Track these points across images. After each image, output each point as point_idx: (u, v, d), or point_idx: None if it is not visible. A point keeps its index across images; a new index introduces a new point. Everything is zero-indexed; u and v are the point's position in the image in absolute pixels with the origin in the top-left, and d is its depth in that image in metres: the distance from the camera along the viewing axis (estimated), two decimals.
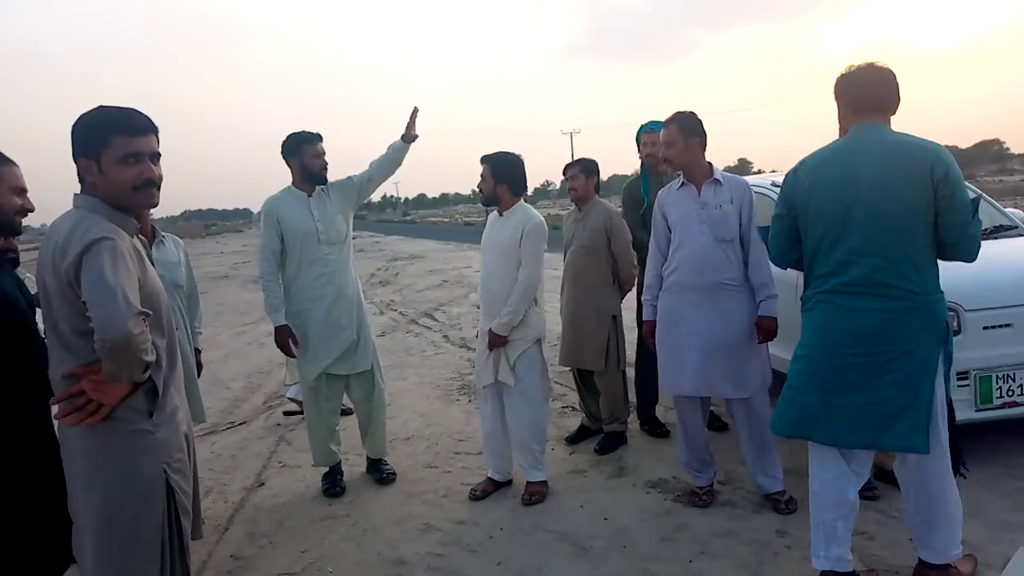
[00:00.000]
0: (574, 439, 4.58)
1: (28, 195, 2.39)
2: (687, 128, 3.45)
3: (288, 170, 3.97)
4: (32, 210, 2.39)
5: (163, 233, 3.93)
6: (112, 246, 1.92)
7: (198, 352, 4.01)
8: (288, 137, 3.93)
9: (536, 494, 3.80)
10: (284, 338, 3.92)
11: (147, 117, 2.10)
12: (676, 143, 3.45)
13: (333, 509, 3.89)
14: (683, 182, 3.52)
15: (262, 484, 4.35)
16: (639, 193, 4.56)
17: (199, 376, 4.02)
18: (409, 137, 4.11)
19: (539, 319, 3.78)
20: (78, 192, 2.10)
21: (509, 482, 3.99)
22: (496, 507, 3.76)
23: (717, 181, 3.51)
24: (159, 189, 2.11)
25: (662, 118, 3.64)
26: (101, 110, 2.06)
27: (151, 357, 2.00)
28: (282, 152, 3.92)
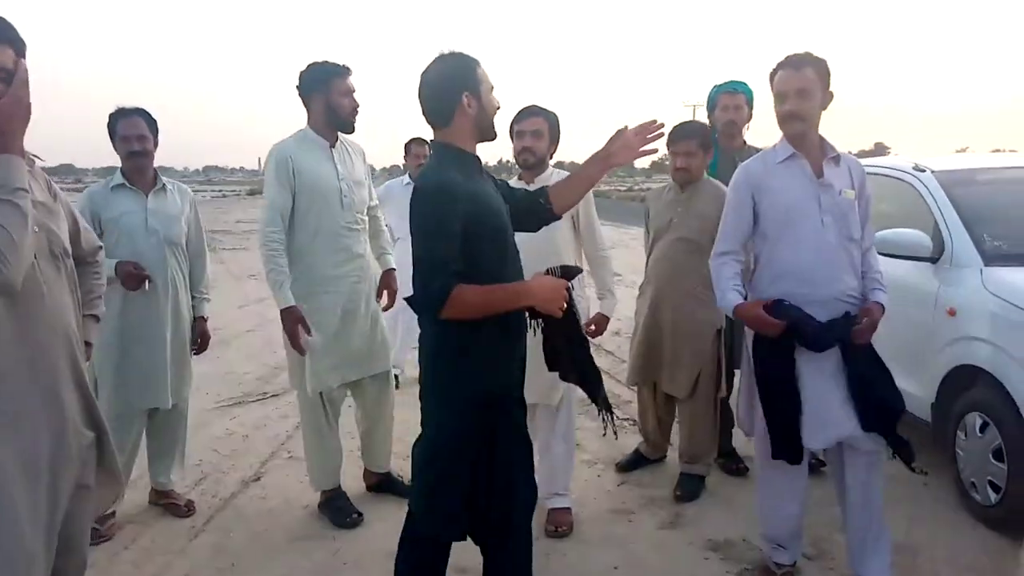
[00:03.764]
0: (627, 466, 3.73)
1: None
2: (825, 77, 2.52)
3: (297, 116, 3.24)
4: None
5: (168, 181, 3.36)
6: None
7: (202, 321, 3.44)
8: (310, 68, 3.11)
9: (563, 524, 3.11)
10: (295, 324, 2.97)
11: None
12: (814, 94, 2.50)
13: (319, 527, 3.24)
14: (792, 153, 2.57)
15: (258, 478, 3.78)
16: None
17: (201, 350, 3.46)
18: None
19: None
20: None
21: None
22: None
23: (836, 158, 2.58)
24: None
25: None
26: None
27: None
28: (301, 87, 3.12)
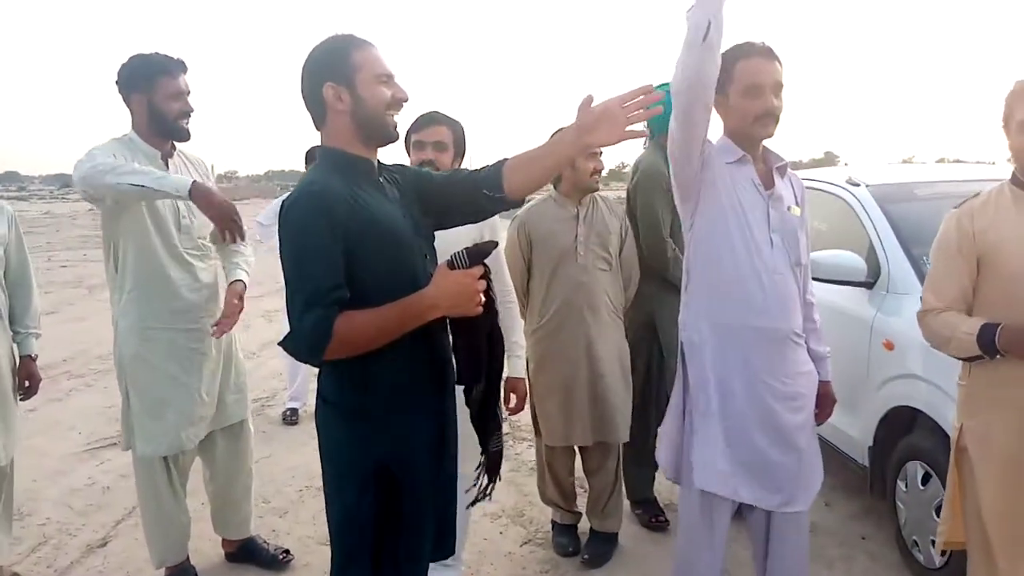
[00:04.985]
0: (572, 548, 3.05)
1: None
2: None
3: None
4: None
5: None
6: None
7: (29, 361, 2.88)
8: (132, 62, 2.56)
9: None
10: (214, 196, 2.43)
11: None
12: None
13: None
14: (742, 155, 2.09)
15: (105, 543, 3.23)
16: (665, 168, 3.07)
17: (28, 396, 2.91)
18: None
19: None
20: None
21: None
22: None
23: (783, 168, 2.18)
24: None
25: None
26: None
27: None
28: (120, 84, 2.58)
